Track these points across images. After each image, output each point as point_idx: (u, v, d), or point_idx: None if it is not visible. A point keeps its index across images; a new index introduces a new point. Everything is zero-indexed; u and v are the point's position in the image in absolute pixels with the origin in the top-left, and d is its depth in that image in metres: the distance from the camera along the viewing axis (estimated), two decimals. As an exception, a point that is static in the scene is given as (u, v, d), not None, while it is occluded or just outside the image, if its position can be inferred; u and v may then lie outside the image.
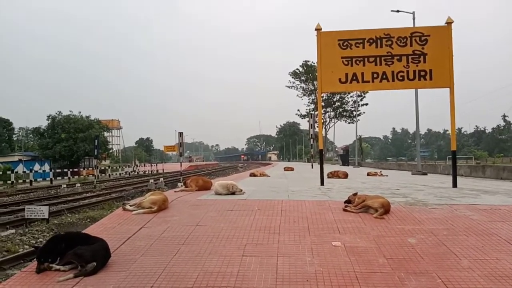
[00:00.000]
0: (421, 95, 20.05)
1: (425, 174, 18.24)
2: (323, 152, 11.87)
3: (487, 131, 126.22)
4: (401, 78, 9.83)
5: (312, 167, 29.28)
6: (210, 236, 4.92)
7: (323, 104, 57.10)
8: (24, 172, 34.80)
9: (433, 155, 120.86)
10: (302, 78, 67.81)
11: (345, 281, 3.58)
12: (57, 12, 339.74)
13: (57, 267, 3.92)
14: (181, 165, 29.54)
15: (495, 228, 5.06)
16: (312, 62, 64.11)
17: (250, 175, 17.11)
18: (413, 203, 6.85)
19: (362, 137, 64.81)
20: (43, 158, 45.25)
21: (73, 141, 45.92)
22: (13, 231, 10.25)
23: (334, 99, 64.58)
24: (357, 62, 9.95)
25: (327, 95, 59.29)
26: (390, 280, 3.60)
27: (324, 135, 62.42)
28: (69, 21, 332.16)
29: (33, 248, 5.31)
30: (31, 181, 31.53)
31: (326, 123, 64.28)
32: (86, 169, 45.91)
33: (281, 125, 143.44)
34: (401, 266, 3.89)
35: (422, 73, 9.79)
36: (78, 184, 25.10)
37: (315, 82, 62.11)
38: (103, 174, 43.66)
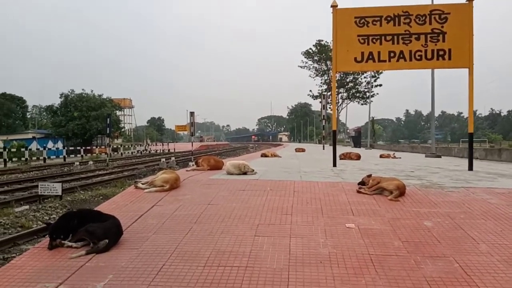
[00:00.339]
0: (435, 75, 19.51)
1: (439, 156, 17.96)
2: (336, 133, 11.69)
3: (502, 114, 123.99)
4: (418, 57, 9.55)
5: (324, 149, 29.13)
6: (222, 215, 4.89)
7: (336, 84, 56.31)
8: (37, 149, 35.21)
9: (446, 138, 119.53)
10: (315, 58, 66.91)
11: (359, 263, 3.51)
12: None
13: (69, 243, 3.93)
14: (192, 145, 29.58)
15: (514, 212, 4.92)
16: (326, 41, 63.17)
17: (261, 156, 17.06)
18: (428, 185, 6.72)
19: (374, 118, 63.98)
20: (56, 136, 45.81)
21: (85, 119, 46.29)
22: (27, 207, 10.39)
23: (347, 80, 63.77)
24: (374, 40, 9.68)
25: (340, 75, 58.48)
26: (406, 263, 3.51)
27: (336, 116, 61.78)
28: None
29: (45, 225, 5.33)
30: (44, 158, 31.97)
31: (339, 104, 63.52)
32: (98, 147, 46.42)
33: (292, 106, 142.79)
34: (417, 250, 3.80)
35: (441, 53, 9.49)
36: (91, 162, 25.29)
37: (328, 62, 61.25)
38: (115, 153, 44.00)
